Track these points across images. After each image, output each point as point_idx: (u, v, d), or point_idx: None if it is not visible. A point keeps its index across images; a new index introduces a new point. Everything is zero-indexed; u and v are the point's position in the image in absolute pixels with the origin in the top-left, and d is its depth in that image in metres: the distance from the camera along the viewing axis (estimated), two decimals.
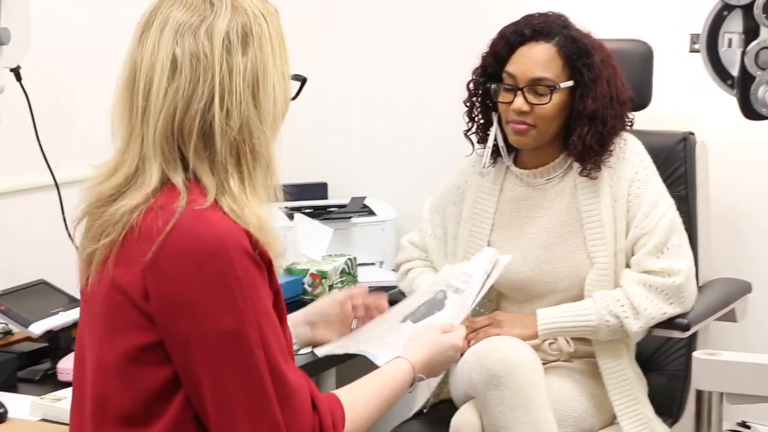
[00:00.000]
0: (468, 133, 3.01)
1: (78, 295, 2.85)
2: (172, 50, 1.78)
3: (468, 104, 2.98)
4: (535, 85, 2.81)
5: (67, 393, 2.48)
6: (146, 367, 1.76)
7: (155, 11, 1.83)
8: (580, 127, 2.82)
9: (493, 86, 2.88)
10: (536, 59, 2.82)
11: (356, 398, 1.95)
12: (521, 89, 2.82)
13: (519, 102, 2.82)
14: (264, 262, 1.77)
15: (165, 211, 1.74)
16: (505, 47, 2.87)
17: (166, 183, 1.78)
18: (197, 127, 1.76)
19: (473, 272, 2.44)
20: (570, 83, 2.83)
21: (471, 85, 2.96)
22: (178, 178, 1.77)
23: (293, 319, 2.25)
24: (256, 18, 1.82)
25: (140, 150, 1.79)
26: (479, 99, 2.96)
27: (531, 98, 2.82)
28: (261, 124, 1.80)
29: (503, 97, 2.87)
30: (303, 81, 1.95)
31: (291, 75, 1.89)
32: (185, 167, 1.78)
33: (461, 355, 2.34)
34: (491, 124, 2.94)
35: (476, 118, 2.98)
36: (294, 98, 1.93)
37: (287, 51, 1.87)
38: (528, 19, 2.88)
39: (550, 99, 2.81)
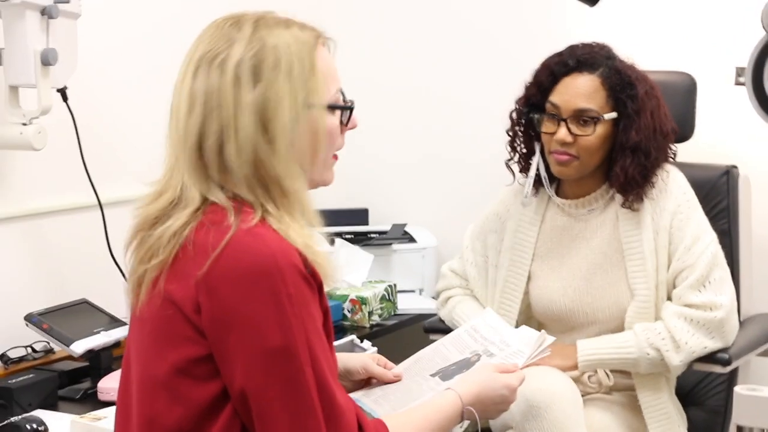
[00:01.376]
0: (509, 163, 3.00)
1: (120, 315, 2.91)
2: (190, 83, 1.82)
3: (510, 133, 2.98)
4: (579, 116, 2.81)
5: (107, 412, 2.49)
6: (195, 381, 1.77)
7: (196, 42, 1.86)
8: (622, 158, 2.82)
9: (536, 116, 2.88)
10: (580, 90, 2.82)
11: (403, 425, 1.94)
12: (565, 120, 2.82)
13: (562, 133, 2.82)
14: (315, 282, 1.78)
15: (218, 227, 1.76)
16: (549, 77, 2.87)
17: (208, 202, 1.80)
18: (215, 161, 1.80)
19: (512, 342, 2.38)
20: (614, 115, 2.82)
21: (514, 115, 2.96)
22: (217, 198, 1.79)
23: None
24: (274, 49, 1.81)
25: (182, 177, 1.82)
26: (522, 128, 2.95)
27: (574, 129, 2.81)
28: (276, 158, 1.79)
29: (546, 127, 2.86)
30: (350, 109, 1.93)
31: (331, 102, 1.88)
32: (227, 191, 1.81)
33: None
34: (533, 154, 2.94)
35: (518, 148, 2.98)
36: (347, 126, 1.92)
37: (320, 81, 1.85)
38: (572, 49, 2.87)
39: (594, 130, 2.80)
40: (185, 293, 1.76)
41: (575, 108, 2.81)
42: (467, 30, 3.87)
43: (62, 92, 2.97)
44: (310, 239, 1.80)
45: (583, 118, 2.81)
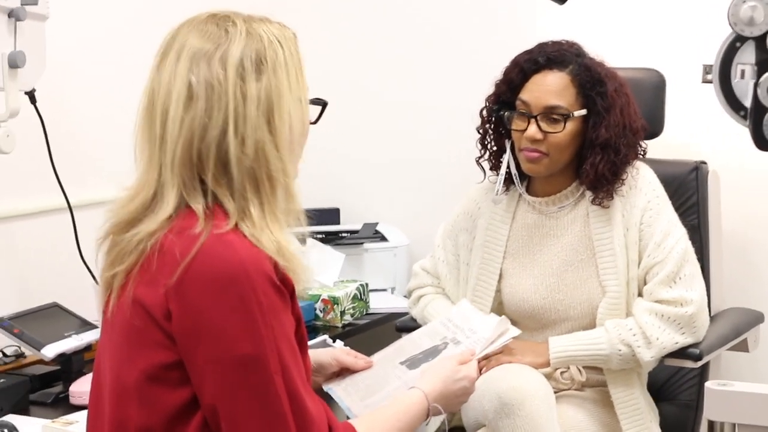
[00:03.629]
0: (480, 160, 3.01)
1: (90, 319, 2.90)
2: (187, 78, 1.79)
3: (481, 131, 2.98)
4: (549, 113, 2.82)
5: (79, 416, 2.48)
6: (165, 388, 1.76)
7: (173, 39, 1.84)
8: (592, 155, 2.83)
9: (506, 114, 2.89)
10: (550, 87, 2.83)
11: (372, 428, 1.96)
12: (535, 117, 2.82)
13: (533, 130, 2.83)
14: (287, 289, 1.78)
15: (184, 234, 1.75)
16: (519, 75, 2.87)
17: (182, 208, 1.79)
18: (213, 155, 1.78)
19: (478, 329, 2.41)
20: (583, 112, 2.83)
21: (484, 112, 2.97)
22: (198, 205, 1.78)
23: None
24: (271, 44, 1.83)
25: (158, 177, 1.80)
26: (492, 126, 2.96)
27: (544, 126, 2.82)
28: (277, 151, 1.81)
29: (516, 124, 2.87)
30: (324, 105, 1.96)
31: (309, 99, 1.90)
32: (205, 193, 1.79)
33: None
34: (504, 152, 2.94)
35: (489, 146, 2.99)
36: (315, 122, 1.94)
37: (304, 76, 1.88)
38: (542, 47, 2.88)
39: (564, 127, 2.81)
40: (155, 299, 1.75)
41: (545, 105, 2.82)
42: (435, 30, 3.88)
43: (30, 95, 2.96)
44: (284, 243, 1.79)
45: (553, 115, 2.82)
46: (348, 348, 2.34)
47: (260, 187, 1.80)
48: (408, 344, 2.38)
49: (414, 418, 2.05)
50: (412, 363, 2.30)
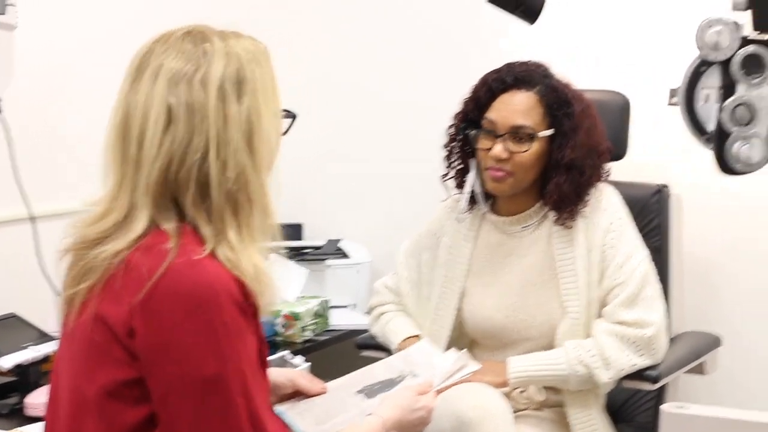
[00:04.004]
0: (445, 179, 3.01)
1: (49, 330, 2.88)
2: (166, 100, 1.77)
3: (447, 149, 2.99)
4: (515, 132, 2.82)
5: (34, 428, 2.47)
6: (124, 404, 1.75)
7: (147, 55, 1.82)
8: (557, 176, 2.83)
9: (472, 132, 2.89)
10: (517, 107, 2.84)
11: None
12: (501, 136, 2.83)
13: (498, 149, 2.83)
14: (251, 309, 1.77)
15: (153, 250, 1.74)
16: (487, 94, 2.88)
17: (152, 228, 1.77)
18: (194, 178, 1.76)
19: (437, 363, 2.39)
20: (550, 132, 2.84)
21: (451, 130, 2.97)
22: (169, 225, 1.76)
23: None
24: (249, 63, 1.81)
25: (130, 198, 1.78)
26: (458, 144, 2.96)
27: (510, 146, 2.83)
28: (256, 173, 1.80)
29: (482, 143, 2.88)
30: (293, 118, 1.95)
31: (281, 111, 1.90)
32: (179, 215, 1.78)
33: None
34: (468, 171, 2.95)
35: (454, 164, 2.99)
36: (283, 134, 1.93)
37: (278, 89, 1.87)
38: (510, 67, 2.89)
39: (530, 147, 2.82)
40: (118, 316, 1.74)
41: (512, 125, 2.82)
42: (402, 50, 3.89)
43: None
44: (261, 266, 1.78)
45: (519, 135, 2.83)
46: (305, 371, 2.32)
47: (239, 209, 1.79)
48: (364, 375, 2.36)
49: None
50: (370, 392, 2.28)
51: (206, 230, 1.77)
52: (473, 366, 2.39)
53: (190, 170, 1.76)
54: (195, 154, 1.76)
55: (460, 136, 2.95)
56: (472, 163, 2.93)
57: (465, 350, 2.44)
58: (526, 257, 2.92)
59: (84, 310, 1.79)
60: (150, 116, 1.77)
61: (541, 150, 2.85)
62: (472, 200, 2.96)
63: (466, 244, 2.98)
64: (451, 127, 2.97)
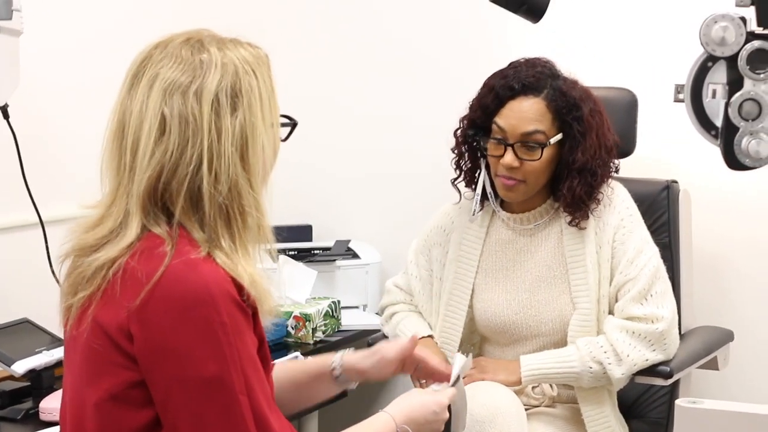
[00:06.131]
0: (456, 182, 3.00)
1: (61, 335, 2.87)
2: (160, 110, 1.77)
3: (456, 152, 2.98)
4: (526, 140, 2.81)
5: None
6: (127, 408, 1.75)
7: (145, 62, 1.82)
8: (569, 179, 2.82)
9: (482, 140, 2.87)
10: (526, 115, 2.81)
11: None
12: (511, 145, 2.82)
13: (509, 158, 2.82)
14: (250, 308, 1.77)
15: (150, 254, 1.74)
16: (494, 101, 2.85)
17: (144, 233, 1.77)
18: (185, 189, 1.76)
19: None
20: (559, 136, 2.83)
21: (459, 136, 2.96)
22: (159, 230, 1.77)
23: (360, 353, 2.24)
24: (246, 74, 1.81)
25: (125, 205, 1.79)
26: (467, 147, 2.95)
27: (521, 154, 2.82)
28: (250, 187, 1.79)
29: (492, 150, 2.86)
30: (293, 125, 1.95)
31: (280, 119, 1.89)
32: (169, 221, 1.78)
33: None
34: (478, 168, 2.94)
35: (464, 166, 2.98)
36: (284, 140, 1.92)
37: (276, 99, 1.86)
38: (516, 70, 2.86)
39: (541, 155, 2.81)
40: (116, 322, 1.74)
41: (522, 132, 2.81)
42: (409, 47, 3.88)
43: (3, 110, 2.94)
44: (257, 276, 1.78)
45: (529, 143, 2.81)
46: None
47: (232, 221, 1.79)
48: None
49: None
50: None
51: (199, 236, 1.77)
52: (464, 357, 2.36)
53: (182, 181, 1.76)
54: (188, 166, 1.76)
55: (469, 141, 2.93)
56: (482, 164, 2.92)
57: (470, 355, 2.40)
58: (537, 254, 2.92)
59: (82, 318, 1.79)
60: (144, 126, 1.77)
61: (552, 155, 2.84)
62: (483, 197, 2.95)
63: (477, 242, 2.97)
64: (458, 130, 2.96)
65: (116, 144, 1.81)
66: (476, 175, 2.95)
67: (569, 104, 2.82)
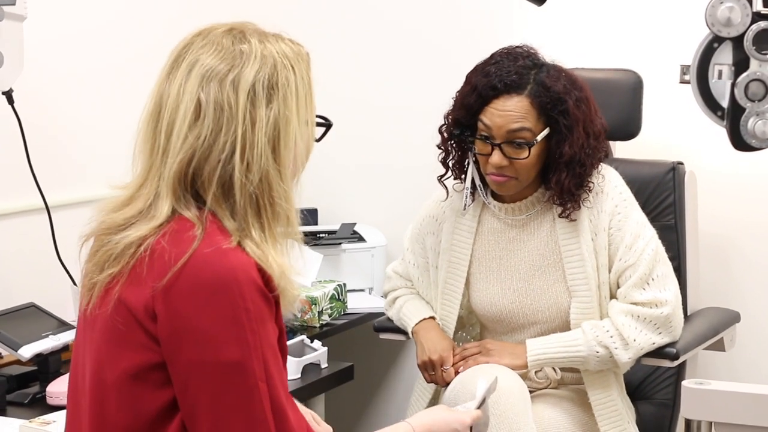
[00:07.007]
0: (444, 178, 2.97)
1: (68, 319, 2.88)
2: (197, 95, 1.78)
3: (442, 149, 2.93)
4: (512, 138, 2.77)
5: (56, 417, 2.47)
6: (146, 388, 1.76)
7: (186, 48, 1.83)
8: (557, 172, 2.79)
9: (469, 139, 2.83)
10: (511, 114, 2.77)
11: None
12: (498, 145, 2.79)
13: (497, 158, 2.78)
14: (273, 298, 1.77)
15: (178, 237, 1.75)
16: (478, 100, 2.81)
17: (175, 216, 1.78)
18: (217, 177, 1.77)
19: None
20: (546, 132, 2.79)
21: (444, 132, 2.93)
22: (190, 213, 1.77)
23: None
24: (284, 68, 1.82)
25: (156, 187, 1.80)
26: (453, 144, 2.91)
27: (509, 152, 2.78)
28: (281, 179, 1.80)
29: (480, 148, 2.83)
30: (328, 126, 1.96)
31: (315, 119, 1.90)
32: (199, 206, 1.78)
33: None
34: (467, 160, 2.91)
35: (450, 162, 2.93)
36: (318, 140, 1.94)
37: (313, 98, 1.88)
38: (498, 66, 2.80)
39: (529, 153, 2.77)
40: (141, 301, 1.74)
41: (508, 130, 2.77)
42: (415, 36, 3.88)
43: (8, 95, 2.94)
44: (287, 268, 1.79)
45: (516, 141, 2.78)
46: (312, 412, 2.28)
47: (261, 211, 1.79)
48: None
49: None
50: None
51: (229, 224, 1.78)
52: (487, 382, 2.35)
53: (214, 168, 1.77)
54: (220, 153, 1.77)
55: (455, 138, 2.90)
56: (471, 157, 2.88)
57: (496, 377, 2.38)
58: (530, 243, 2.90)
59: (106, 295, 1.79)
60: (180, 109, 1.78)
61: (540, 149, 2.80)
62: (473, 187, 2.92)
63: (469, 231, 2.95)
64: (442, 126, 2.92)
65: (151, 126, 1.82)
66: (465, 167, 2.91)
67: (553, 99, 2.77)
